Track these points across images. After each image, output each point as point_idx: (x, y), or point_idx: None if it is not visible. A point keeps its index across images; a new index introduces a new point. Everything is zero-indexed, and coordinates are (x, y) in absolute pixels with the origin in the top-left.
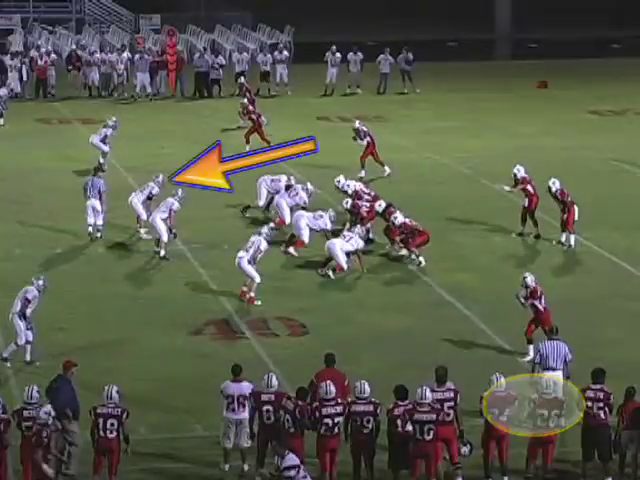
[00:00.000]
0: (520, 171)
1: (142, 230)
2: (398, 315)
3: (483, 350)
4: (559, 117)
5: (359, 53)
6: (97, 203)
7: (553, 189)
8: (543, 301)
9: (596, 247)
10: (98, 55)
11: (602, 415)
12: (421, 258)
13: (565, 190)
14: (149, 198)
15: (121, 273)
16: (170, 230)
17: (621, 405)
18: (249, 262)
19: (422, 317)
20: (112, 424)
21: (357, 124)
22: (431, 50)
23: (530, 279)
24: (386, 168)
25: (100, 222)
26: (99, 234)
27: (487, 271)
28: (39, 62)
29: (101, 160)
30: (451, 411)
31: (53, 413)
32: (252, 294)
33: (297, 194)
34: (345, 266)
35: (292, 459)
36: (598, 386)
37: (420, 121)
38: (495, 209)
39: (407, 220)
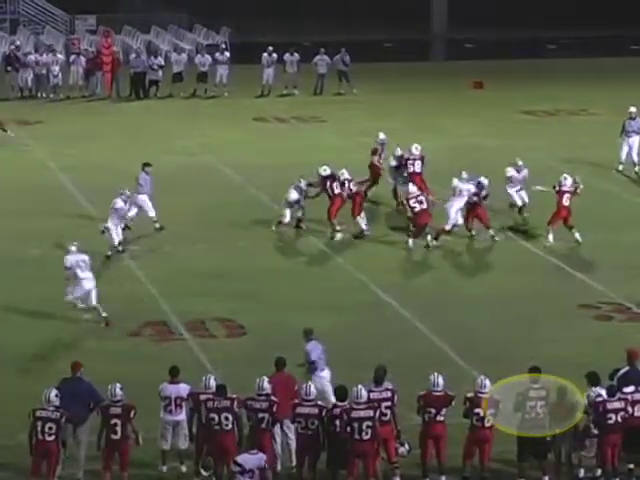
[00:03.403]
0: (567, 179)
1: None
2: (335, 315)
3: (420, 349)
4: (494, 117)
5: (295, 54)
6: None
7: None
8: None
9: (528, 246)
10: (32, 56)
11: (540, 413)
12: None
13: None
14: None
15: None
16: (125, 227)
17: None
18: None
19: (359, 316)
20: (50, 427)
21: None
22: (367, 51)
23: None
24: None
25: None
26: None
27: (423, 271)
28: None
29: None
30: (388, 411)
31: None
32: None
33: None
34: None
35: (245, 459)
36: (537, 384)
37: (357, 122)
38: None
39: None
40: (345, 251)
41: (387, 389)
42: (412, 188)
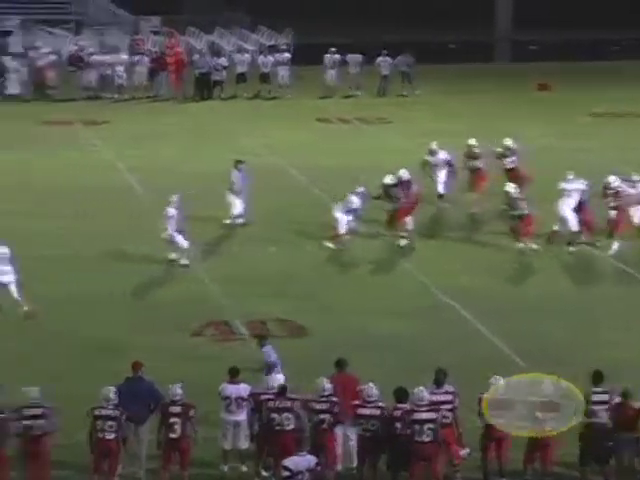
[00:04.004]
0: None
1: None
2: (396, 317)
3: (482, 352)
4: (560, 119)
5: (358, 55)
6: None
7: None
8: None
9: (594, 250)
10: (97, 56)
11: (602, 418)
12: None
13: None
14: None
15: (125, 276)
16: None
17: (615, 407)
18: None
19: (421, 319)
20: (110, 426)
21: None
22: (431, 52)
23: None
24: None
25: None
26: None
27: (489, 274)
28: (39, 63)
29: None
30: (449, 413)
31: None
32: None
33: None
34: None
35: (294, 462)
36: (599, 388)
37: (420, 123)
38: (496, 211)
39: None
40: (409, 255)
41: (448, 392)
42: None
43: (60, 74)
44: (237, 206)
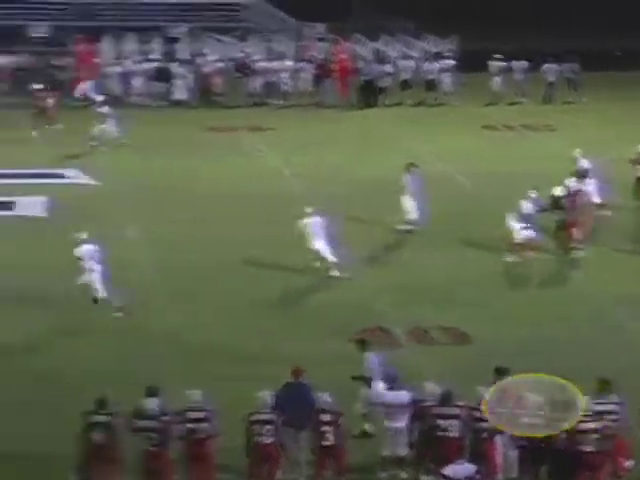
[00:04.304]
0: None
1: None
2: (563, 326)
3: None
4: None
5: (524, 61)
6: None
7: None
8: None
9: None
10: (262, 63)
11: None
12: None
13: None
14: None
15: (286, 282)
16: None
17: None
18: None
19: (588, 328)
20: (268, 430)
21: None
22: (595, 59)
23: None
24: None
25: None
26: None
27: None
28: (205, 70)
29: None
30: (614, 424)
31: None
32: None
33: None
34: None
35: (453, 471)
36: None
37: (587, 131)
38: None
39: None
40: (578, 264)
41: (613, 402)
42: None
43: (226, 81)
44: (411, 212)
